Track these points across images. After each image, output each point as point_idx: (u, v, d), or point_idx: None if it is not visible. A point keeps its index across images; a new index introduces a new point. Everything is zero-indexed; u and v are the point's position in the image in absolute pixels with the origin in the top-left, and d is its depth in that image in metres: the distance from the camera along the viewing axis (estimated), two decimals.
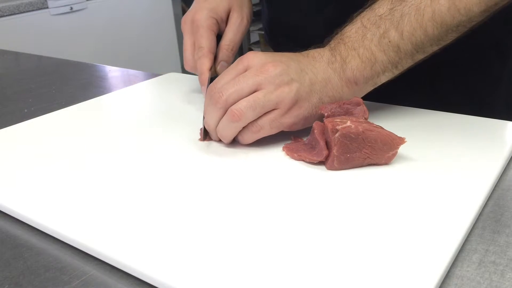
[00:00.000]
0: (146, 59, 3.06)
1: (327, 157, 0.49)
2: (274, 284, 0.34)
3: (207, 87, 0.61)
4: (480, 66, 0.72)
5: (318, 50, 0.57)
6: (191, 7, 0.70)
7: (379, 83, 0.56)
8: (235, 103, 0.52)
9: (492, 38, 0.71)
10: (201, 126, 0.58)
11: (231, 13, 0.70)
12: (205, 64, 0.66)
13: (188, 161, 0.53)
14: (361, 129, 0.47)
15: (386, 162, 0.49)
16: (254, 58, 0.54)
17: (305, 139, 0.55)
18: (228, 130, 0.53)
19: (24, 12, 2.35)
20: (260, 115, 0.52)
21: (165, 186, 0.48)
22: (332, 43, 0.56)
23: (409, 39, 0.53)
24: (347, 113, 0.53)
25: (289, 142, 0.55)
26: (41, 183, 0.50)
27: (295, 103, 0.52)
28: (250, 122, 0.53)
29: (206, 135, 0.57)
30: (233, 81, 0.53)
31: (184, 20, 0.70)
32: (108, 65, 1.02)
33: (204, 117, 0.56)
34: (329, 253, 0.37)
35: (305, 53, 0.57)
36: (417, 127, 0.57)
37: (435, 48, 0.55)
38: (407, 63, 0.55)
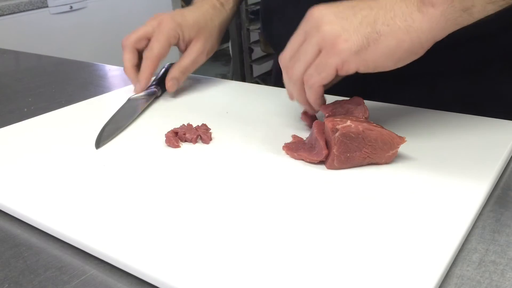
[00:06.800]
0: None
1: (327, 157, 0.49)
2: (273, 284, 0.34)
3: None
4: (484, 76, 0.67)
5: None
6: (171, 12, 0.74)
7: (472, 12, 0.44)
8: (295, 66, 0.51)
9: (499, 47, 0.66)
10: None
11: (195, 41, 0.73)
12: (150, 66, 0.70)
13: (188, 160, 0.53)
14: (361, 129, 0.47)
15: (386, 161, 0.49)
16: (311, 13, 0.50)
17: (305, 138, 0.55)
18: (294, 91, 0.53)
19: (24, 11, 2.35)
20: (307, 64, 0.50)
21: (164, 185, 0.48)
22: None
23: None
24: (348, 112, 0.53)
25: (289, 141, 0.55)
26: (40, 182, 0.50)
27: (338, 37, 0.47)
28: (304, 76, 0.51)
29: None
30: (291, 42, 0.52)
31: (155, 16, 0.72)
32: (108, 64, 1.02)
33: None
34: (329, 253, 0.37)
35: None
36: (417, 126, 0.57)
37: None
38: None
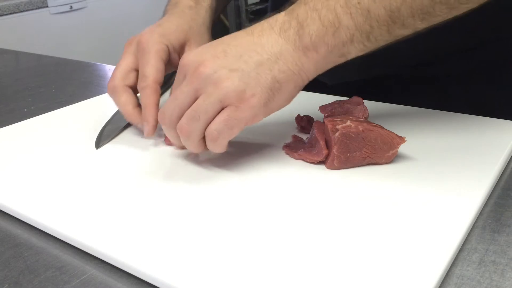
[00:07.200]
0: None
1: (327, 157, 0.49)
2: (274, 284, 0.34)
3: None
4: (492, 79, 0.67)
5: (269, 19, 0.49)
6: (145, 30, 0.61)
7: (348, 55, 0.48)
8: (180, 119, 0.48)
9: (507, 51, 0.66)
10: None
11: (187, 46, 0.63)
12: (151, 97, 0.57)
13: (187, 160, 0.53)
14: (361, 129, 0.47)
15: (386, 161, 0.49)
16: (187, 61, 0.48)
17: (305, 138, 0.55)
18: (190, 147, 0.49)
19: (24, 11, 2.35)
20: (208, 121, 0.47)
21: (164, 185, 0.48)
22: (292, 5, 0.49)
23: (381, 3, 0.45)
24: (347, 112, 0.53)
25: (289, 141, 0.55)
26: (41, 182, 0.50)
27: (243, 92, 0.46)
28: (206, 132, 0.47)
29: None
30: (172, 96, 0.49)
31: (129, 41, 0.62)
32: (108, 64, 1.02)
33: None
34: (328, 253, 0.37)
35: (250, 29, 0.49)
36: (417, 126, 0.57)
37: (420, 24, 0.47)
38: (381, 36, 0.47)
